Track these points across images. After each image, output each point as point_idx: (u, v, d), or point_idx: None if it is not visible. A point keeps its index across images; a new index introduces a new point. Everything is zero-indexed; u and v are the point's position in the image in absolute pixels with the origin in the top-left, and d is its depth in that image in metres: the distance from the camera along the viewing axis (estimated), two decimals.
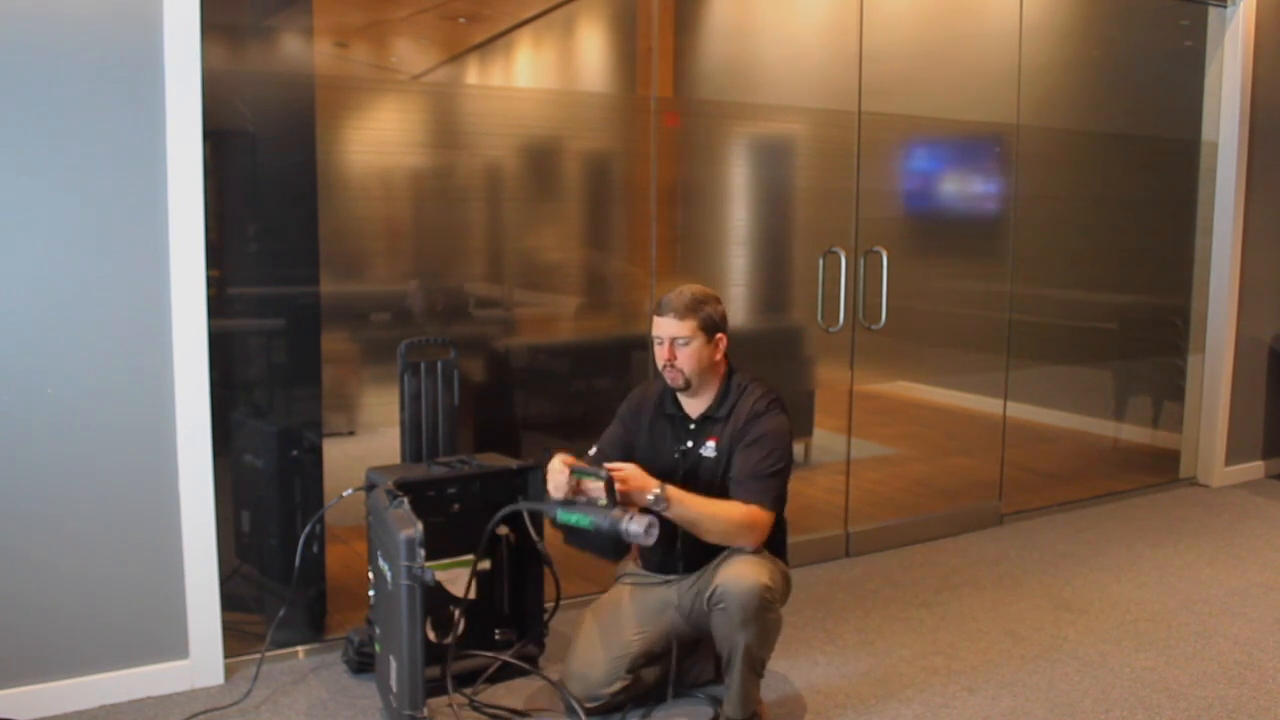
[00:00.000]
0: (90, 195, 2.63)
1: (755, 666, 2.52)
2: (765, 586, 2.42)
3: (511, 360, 3.52)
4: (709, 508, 2.48)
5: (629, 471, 2.38)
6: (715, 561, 2.56)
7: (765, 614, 2.45)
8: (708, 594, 2.50)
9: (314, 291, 3.05)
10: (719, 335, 2.64)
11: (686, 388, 2.64)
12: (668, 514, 2.39)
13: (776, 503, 2.57)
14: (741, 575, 2.43)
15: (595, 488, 2.34)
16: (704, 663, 2.81)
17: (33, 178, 2.57)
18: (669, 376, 2.63)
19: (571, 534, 2.39)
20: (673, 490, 2.41)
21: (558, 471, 2.40)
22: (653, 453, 2.70)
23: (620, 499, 2.32)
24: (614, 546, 2.29)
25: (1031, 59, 4.29)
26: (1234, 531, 4.34)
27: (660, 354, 2.62)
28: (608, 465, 2.38)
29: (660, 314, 2.62)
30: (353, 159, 3.14)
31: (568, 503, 2.38)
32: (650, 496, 2.37)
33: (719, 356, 2.66)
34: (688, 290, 2.63)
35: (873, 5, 3.87)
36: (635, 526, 2.25)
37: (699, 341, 2.59)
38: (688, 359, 2.59)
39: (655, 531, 2.27)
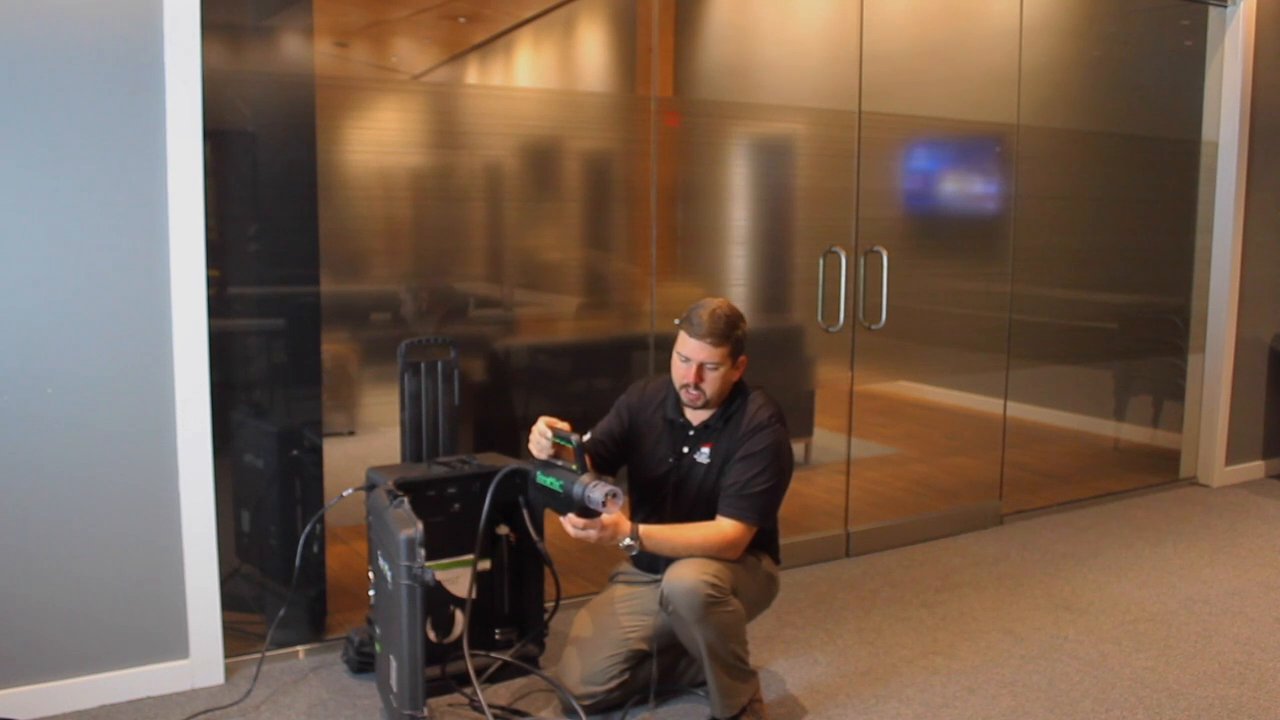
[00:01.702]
0: (90, 195, 2.62)
1: (727, 661, 2.52)
2: (707, 583, 2.40)
3: (512, 360, 3.52)
4: (683, 537, 2.50)
5: (609, 519, 2.38)
6: None
7: (714, 610, 2.43)
8: (658, 600, 2.52)
9: (314, 291, 3.05)
10: (742, 358, 2.63)
11: (705, 407, 2.63)
12: (645, 550, 2.46)
13: (761, 518, 2.57)
14: (683, 577, 2.42)
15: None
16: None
17: (33, 177, 2.57)
18: (689, 396, 2.59)
19: (547, 496, 2.43)
20: (645, 530, 2.45)
21: (540, 433, 2.45)
22: (649, 455, 2.71)
23: (601, 535, 2.37)
24: (582, 512, 2.33)
25: (1031, 59, 4.29)
26: (1234, 531, 4.34)
27: (685, 374, 2.57)
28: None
29: (694, 335, 2.54)
30: (353, 159, 3.13)
31: (547, 464, 2.46)
32: (626, 542, 2.42)
33: (737, 377, 2.65)
34: (721, 312, 2.55)
35: (873, 5, 3.86)
36: (595, 494, 2.31)
37: (726, 366, 2.57)
38: (713, 383, 2.57)
39: (618, 503, 2.32)
